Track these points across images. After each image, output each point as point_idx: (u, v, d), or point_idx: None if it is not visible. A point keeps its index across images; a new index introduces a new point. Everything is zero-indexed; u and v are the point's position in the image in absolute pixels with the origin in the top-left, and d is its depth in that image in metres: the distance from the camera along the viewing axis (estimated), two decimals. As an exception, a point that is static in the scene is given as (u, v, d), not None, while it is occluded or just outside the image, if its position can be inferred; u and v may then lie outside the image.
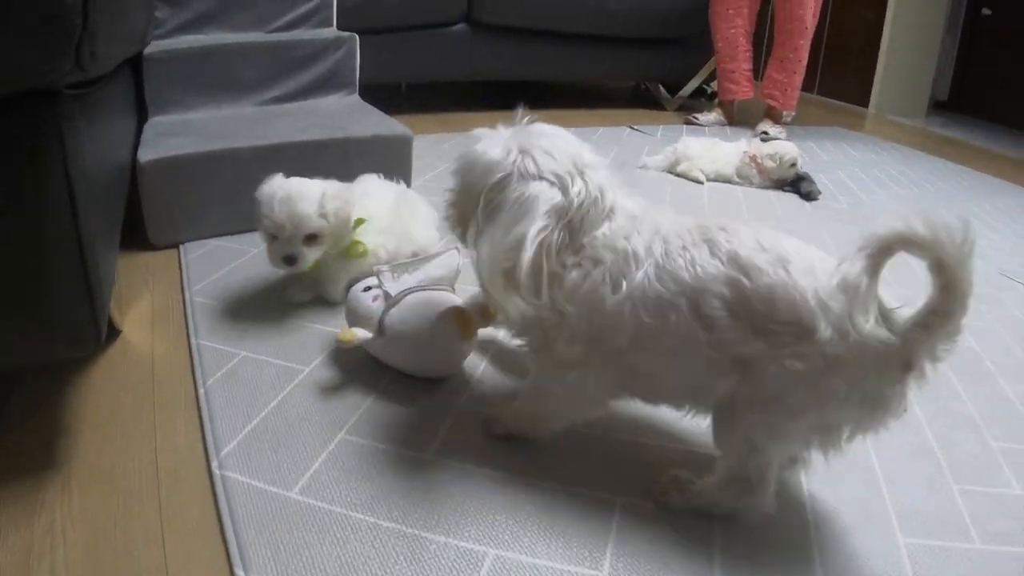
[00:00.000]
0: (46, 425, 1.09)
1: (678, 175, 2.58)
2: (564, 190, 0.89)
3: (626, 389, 0.98)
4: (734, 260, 0.83)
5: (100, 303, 0.95)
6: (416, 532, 0.88)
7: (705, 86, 4.03)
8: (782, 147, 2.50)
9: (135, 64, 1.97)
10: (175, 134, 1.81)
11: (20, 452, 1.03)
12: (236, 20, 2.35)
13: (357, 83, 2.35)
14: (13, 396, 1.14)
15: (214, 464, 0.99)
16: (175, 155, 1.68)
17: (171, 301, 1.47)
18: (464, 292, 1.25)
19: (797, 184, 2.48)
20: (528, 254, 0.85)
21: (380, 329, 1.15)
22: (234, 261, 1.62)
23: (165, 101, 2.04)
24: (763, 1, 3.41)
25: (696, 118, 3.50)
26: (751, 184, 2.54)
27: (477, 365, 1.26)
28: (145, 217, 1.68)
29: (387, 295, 1.17)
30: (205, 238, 1.73)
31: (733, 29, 3.37)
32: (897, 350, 0.77)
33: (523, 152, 0.90)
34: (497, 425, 1.07)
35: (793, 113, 3.58)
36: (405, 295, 1.17)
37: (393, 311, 1.16)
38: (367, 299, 1.20)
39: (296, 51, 2.23)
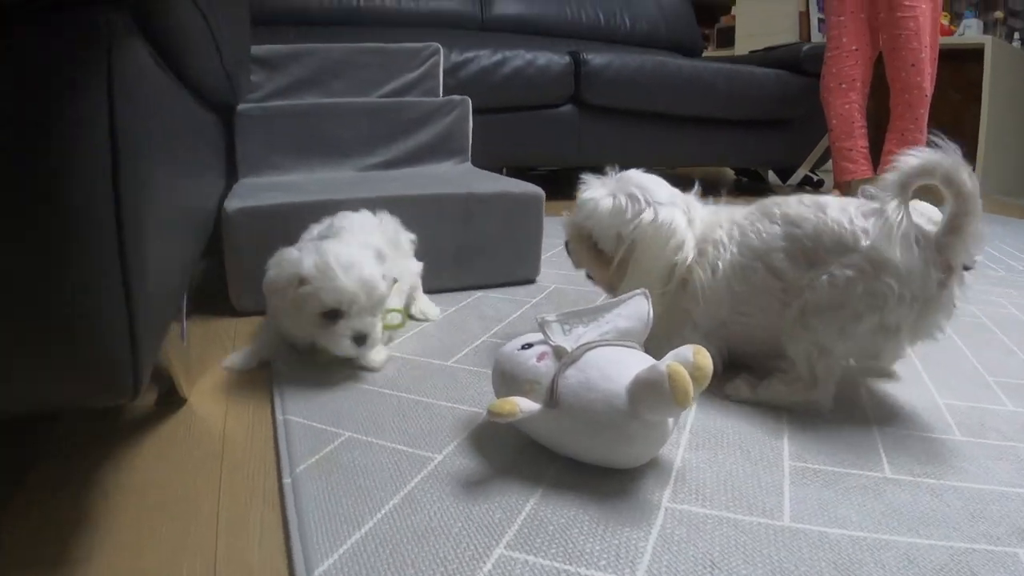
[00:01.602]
0: (71, 510, 0.78)
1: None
2: (684, 210, 1.10)
3: (721, 355, 1.10)
4: (786, 218, 1.03)
5: (145, 335, 0.63)
6: None
7: (811, 173, 3.76)
8: (928, 210, 2.15)
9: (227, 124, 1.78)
10: (266, 190, 1.55)
11: (34, 542, 0.73)
12: (334, 88, 2.17)
13: (469, 150, 2.10)
14: (35, 469, 0.84)
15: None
16: (265, 205, 1.41)
17: (253, 373, 1.15)
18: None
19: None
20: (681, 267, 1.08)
21: (551, 397, 0.80)
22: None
23: (258, 162, 1.82)
24: (876, 72, 3.12)
25: None
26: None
27: (675, 443, 0.92)
28: (228, 278, 1.42)
29: (559, 351, 0.83)
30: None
31: (848, 104, 3.06)
32: (936, 253, 0.93)
33: (639, 188, 1.10)
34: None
35: None
36: (585, 350, 0.82)
37: (570, 372, 0.81)
38: (529, 358, 0.86)
39: (402, 114, 2.00)
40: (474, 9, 3.60)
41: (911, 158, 0.90)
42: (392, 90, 2.20)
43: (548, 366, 0.83)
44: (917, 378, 1.15)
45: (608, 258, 1.13)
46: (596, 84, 2.97)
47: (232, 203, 1.39)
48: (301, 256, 1.08)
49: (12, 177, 0.54)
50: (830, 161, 3.31)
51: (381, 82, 2.20)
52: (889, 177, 0.91)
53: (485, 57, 2.75)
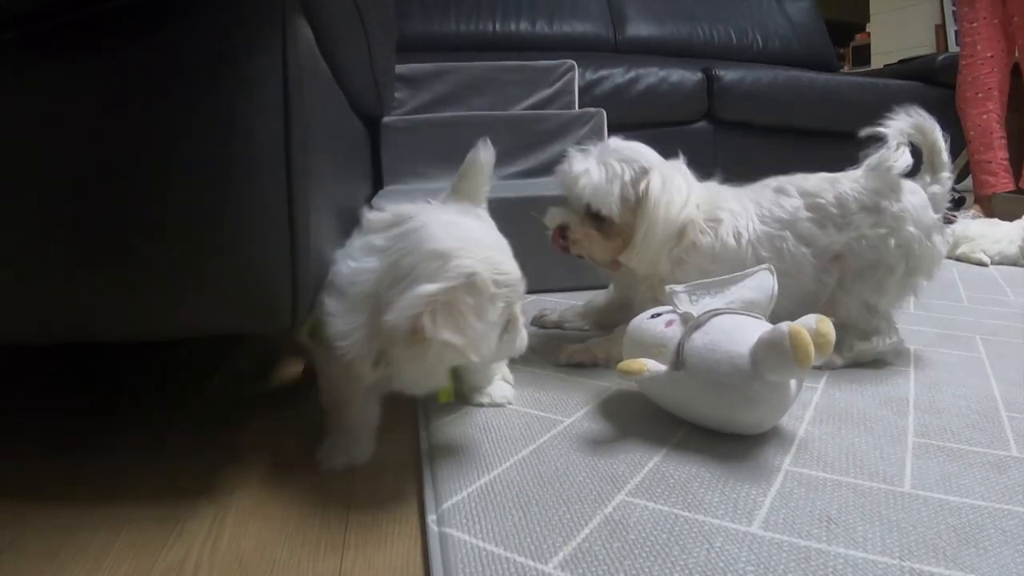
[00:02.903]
0: (224, 444, 0.90)
1: (958, 258, 2.31)
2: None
3: None
4: (805, 192, 1.13)
5: (302, 287, 0.72)
6: None
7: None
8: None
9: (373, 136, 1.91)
10: (411, 193, 1.66)
11: (182, 470, 0.84)
12: (475, 104, 2.29)
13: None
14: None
15: (430, 517, 0.70)
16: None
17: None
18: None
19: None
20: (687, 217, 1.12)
21: (678, 359, 0.84)
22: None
23: (402, 170, 1.95)
24: (1014, 79, 2.99)
25: (954, 217, 3.05)
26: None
27: (799, 417, 0.94)
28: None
29: (686, 317, 0.87)
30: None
31: (985, 115, 2.96)
32: (928, 200, 1.13)
33: (631, 151, 1.14)
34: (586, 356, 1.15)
35: None
36: (711, 316, 0.87)
37: (696, 336, 0.85)
38: (657, 325, 0.91)
39: (540, 126, 2.08)
40: (607, 32, 3.66)
41: (902, 122, 1.13)
42: (529, 105, 2.30)
43: (675, 331, 0.88)
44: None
45: (615, 228, 1.13)
46: (729, 99, 2.97)
47: (379, 203, 1.50)
48: (445, 259, 0.71)
49: (201, 124, 0.64)
50: (968, 178, 3.19)
51: (519, 98, 2.30)
52: (886, 138, 1.11)
53: (619, 75, 2.80)
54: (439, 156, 1.97)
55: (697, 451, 0.84)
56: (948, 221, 3.01)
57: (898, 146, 1.10)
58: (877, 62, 5.08)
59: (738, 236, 1.12)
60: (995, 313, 1.53)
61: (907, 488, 0.76)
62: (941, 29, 4.92)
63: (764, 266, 0.95)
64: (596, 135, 2.11)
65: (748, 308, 0.90)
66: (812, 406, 0.97)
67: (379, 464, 0.84)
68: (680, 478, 0.77)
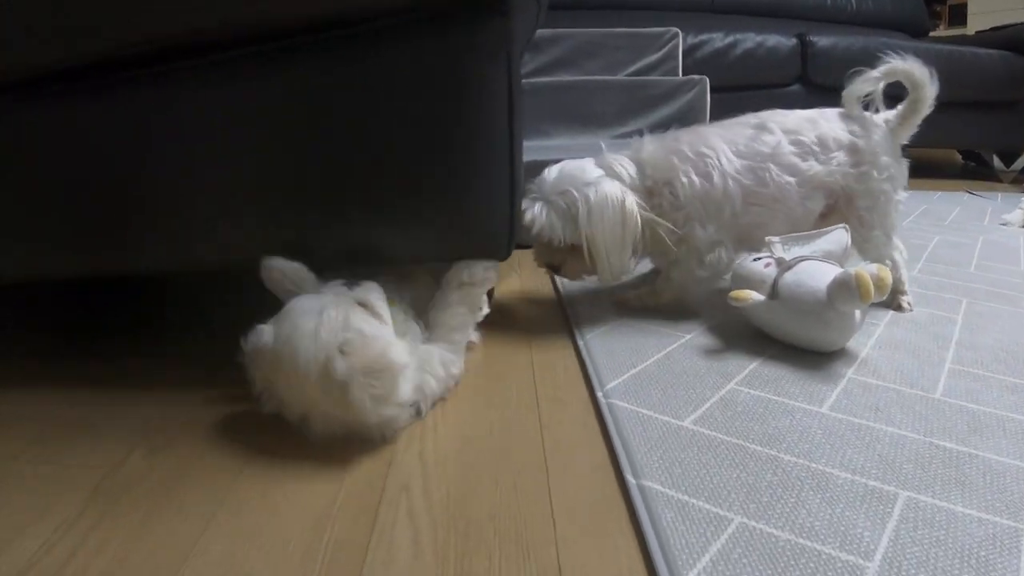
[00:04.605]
0: None
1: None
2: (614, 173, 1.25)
3: (743, 244, 1.32)
4: (787, 130, 1.29)
5: (516, 224, 1.04)
6: (820, 468, 0.83)
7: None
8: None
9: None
10: (540, 149, 1.95)
11: None
12: (588, 67, 2.54)
13: (707, 122, 2.40)
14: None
15: (599, 394, 1.02)
16: (539, 159, 1.80)
17: (539, 282, 1.58)
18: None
19: None
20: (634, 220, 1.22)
21: (774, 291, 1.14)
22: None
23: (527, 128, 2.20)
24: None
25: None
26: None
27: (863, 344, 1.22)
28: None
29: (780, 261, 1.17)
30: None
31: None
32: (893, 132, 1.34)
33: (566, 180, 1.24)
34: (638, 302, 1.40)
35: None
36: (799, 261, 1.16)
37: (787, 275, 1.14)
38: (758, 266, 1.21)
39: (649, 90, 2.34)
40: (705, -8, 3.85)
41: (893, 63, 1.27)
42: (637, 70, 2.56)
43: (772, 271, 1.18)
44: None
45: (576, 247, 1.24)
46: (822, 65, 3.15)
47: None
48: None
49: (455, 117, 0.94)
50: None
51: (628, 63, 2.56)
52: (870, 75, 1.29)
53: (718, 39, 3.03)
54: (559, 116, 2.25)
55: (785, 361, 1.14)
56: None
57: (876, 80, 1.29)
58: (973, 23, 5.09)
59: (707, 175, 1.25)
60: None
61: (938, 396, 1.03)
62: (1045, -9, 4.84)
63: (840, 225, 1.25)
64: (700, 101, 2.36)
65: (827, 256, 1.19)
66: (874, 336, 1.25)
67: (550, 361, 1.17)
68: (772, 376, 1.08)
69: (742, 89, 3.07)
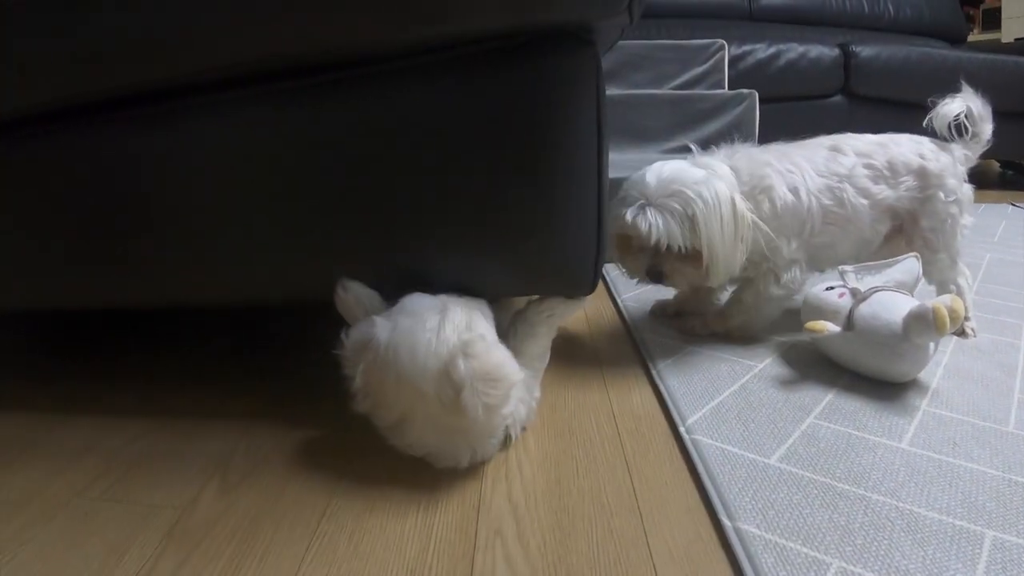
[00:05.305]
0: None
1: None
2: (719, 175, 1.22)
3: (812, 265, 1.35)
4: (860, 152, 1.33)
5: (602, 254, 1.03)
6: (908, 507, 0.86)
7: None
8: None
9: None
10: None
11: None
12: (634, 79, 2.56)
13: (756, 137, 2.42)
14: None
15: (681, 429, 1.04)
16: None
17: (601, 307, 1.60)
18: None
19: None
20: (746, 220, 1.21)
21: (849, 323, 1.17)
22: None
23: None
24: None
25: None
26: None
27: (933, 373, 1.23)
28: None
29: (855, 291, 1.19)
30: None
31: None
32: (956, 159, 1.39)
33: (674, 183, 1.19)
34: (705, 329, 1.41)
35: None
36: (873, 292, 1.18)
37: (862, 306, 1.17)
38: (832, 296, 1.23)
39: (698, 104, 2.34)
40: (742, 0, 3.86)
41: (958, 103, 1.35)
42: (683, 82, 2.57)
43: (846, 301, 1.20)
44: None
45: (692, 253, 1.20)
46: (865, 76, 3.16)
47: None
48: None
49: (545, 147, 0.92)
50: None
51: (674, 75, 2.56)
52: (954, 100, 1.36)
53: (761, 51, 3.04)
54: (610, 129, 2.26)
55: (858, 392, 1.16)
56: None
57: (962, 103, 1.35)
58: (1008, 27, 5.05)
59: (795, 190, 1.26)
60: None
61: (1010, 428, 1.05)
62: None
63: (911, 255, 1.27)
64: (750, 115, 2.36)
65: (899, 287, 1.22)
66: (942, 365, 1.27)
67: (625, 391, 1.19)
68: (849, 409, 1.10)
69: (785, 100, 3.07)
